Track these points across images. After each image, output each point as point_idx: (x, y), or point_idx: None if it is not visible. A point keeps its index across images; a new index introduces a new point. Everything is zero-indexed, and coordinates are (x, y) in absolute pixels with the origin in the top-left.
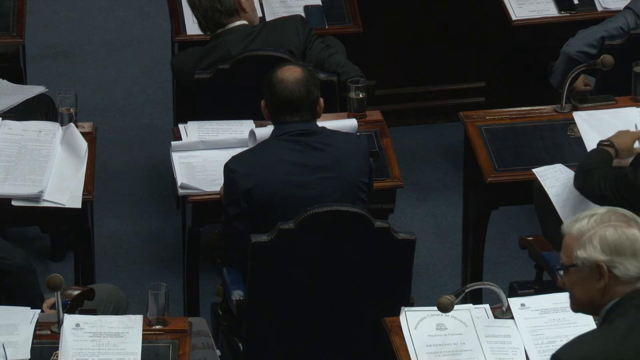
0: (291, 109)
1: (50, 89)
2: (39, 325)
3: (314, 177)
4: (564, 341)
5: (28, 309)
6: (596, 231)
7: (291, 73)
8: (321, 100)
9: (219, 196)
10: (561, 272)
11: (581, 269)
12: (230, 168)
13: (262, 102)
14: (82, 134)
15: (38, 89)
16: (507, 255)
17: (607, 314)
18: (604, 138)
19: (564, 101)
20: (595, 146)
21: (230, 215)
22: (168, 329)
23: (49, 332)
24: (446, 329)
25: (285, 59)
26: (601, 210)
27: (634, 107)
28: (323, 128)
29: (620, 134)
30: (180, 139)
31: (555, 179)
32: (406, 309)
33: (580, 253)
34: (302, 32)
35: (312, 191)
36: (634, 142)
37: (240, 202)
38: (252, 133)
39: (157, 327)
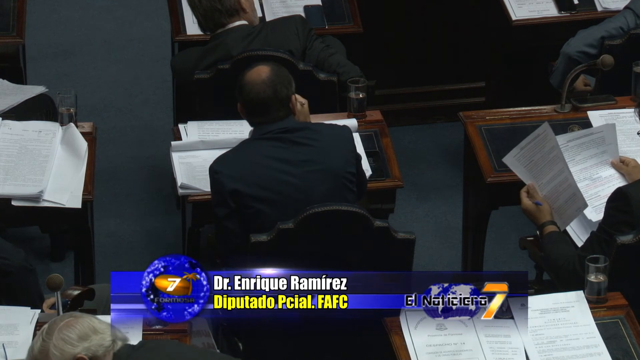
0: (261, 109)
1: (50, 89)
2: (39, 325)
3: (299, 171)
4: (564, 341)
5: (28, 309)
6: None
7: (258, 75)
8: (293, 96)
9: None
10: None
11: None
12: (214, 169)
13: (238, 105)
14: (82, 134)
15: (38, 89)
16: (507, 255)
17: None
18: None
19: (564, 101)
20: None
21: (219, 216)
22: (168, 329)
23: None
24: (446, 329)
25: (285, 59)
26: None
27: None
28: (306, 123)
29: (539, 211)
30: (180, 139)
31: None
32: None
33: None
34: (302, 32)
35: (298, 186)
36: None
37: (227, 201)
38: (252, 133)
39: (157, 327)
